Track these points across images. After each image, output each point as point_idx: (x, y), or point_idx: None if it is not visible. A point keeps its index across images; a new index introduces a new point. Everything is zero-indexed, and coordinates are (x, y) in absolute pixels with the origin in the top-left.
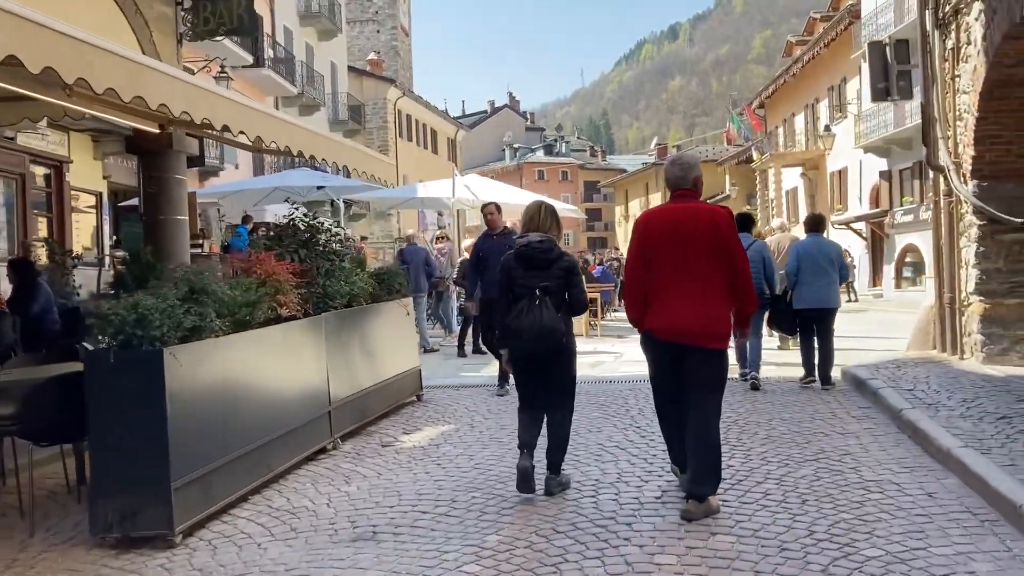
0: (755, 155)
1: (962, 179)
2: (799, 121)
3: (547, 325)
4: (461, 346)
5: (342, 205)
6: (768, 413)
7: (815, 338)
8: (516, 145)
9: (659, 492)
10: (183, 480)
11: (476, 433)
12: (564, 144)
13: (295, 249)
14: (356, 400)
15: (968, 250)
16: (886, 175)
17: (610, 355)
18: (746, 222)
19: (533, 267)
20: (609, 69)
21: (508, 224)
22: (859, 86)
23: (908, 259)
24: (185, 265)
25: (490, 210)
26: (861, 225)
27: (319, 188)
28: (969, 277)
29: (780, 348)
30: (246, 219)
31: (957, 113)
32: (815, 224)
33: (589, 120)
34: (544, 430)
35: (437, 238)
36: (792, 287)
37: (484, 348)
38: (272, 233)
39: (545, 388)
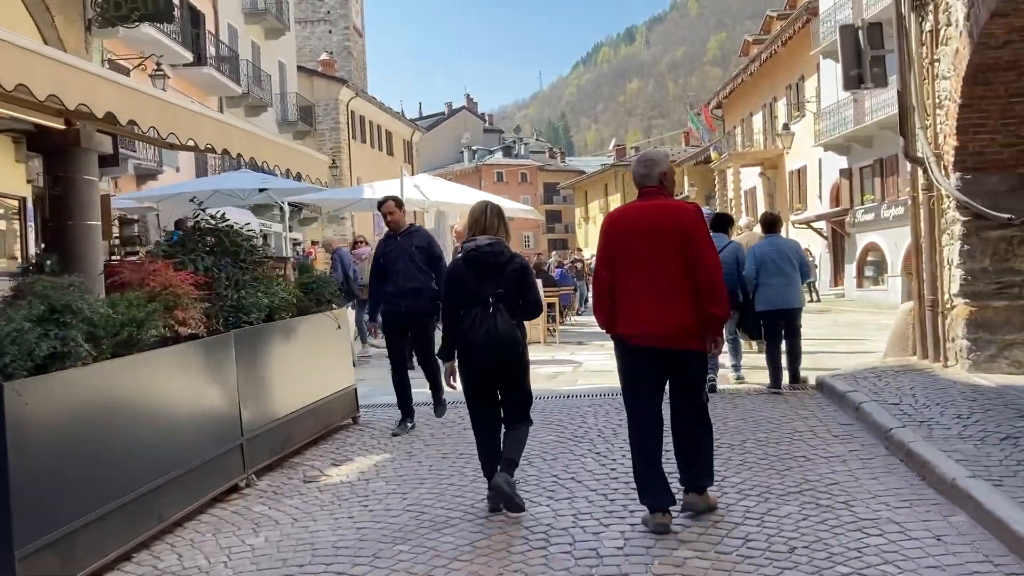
0: (713, 155)
1: (944, 172)
2: (757, 120)
3: (503, 334)
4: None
5: (287, 208)
6: (740, 432)
7: (782, 341)
8: (474, 147)
9: (621, 541)
10: (34, 545)
11: (414, 464)
12: (523, 146)
13: (199, 256)
14: (276, 428)
15: (951, 248)
16: (846, 173)
17: (569, 364)
18: (723, 222)
19: (484, 273)
20: (567, 72)
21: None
22: (817, 84)
23: (870, 258)
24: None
25: (389, 208)
26: (822, 224)
27: (261, 190)
28: (953, 278)
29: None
30: (179, 224)
31: (937, 100)
32: (770, 224)
33: (548, 123)
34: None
35: (354, 242)
36: (753, 290)
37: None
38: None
39: (501, 404)
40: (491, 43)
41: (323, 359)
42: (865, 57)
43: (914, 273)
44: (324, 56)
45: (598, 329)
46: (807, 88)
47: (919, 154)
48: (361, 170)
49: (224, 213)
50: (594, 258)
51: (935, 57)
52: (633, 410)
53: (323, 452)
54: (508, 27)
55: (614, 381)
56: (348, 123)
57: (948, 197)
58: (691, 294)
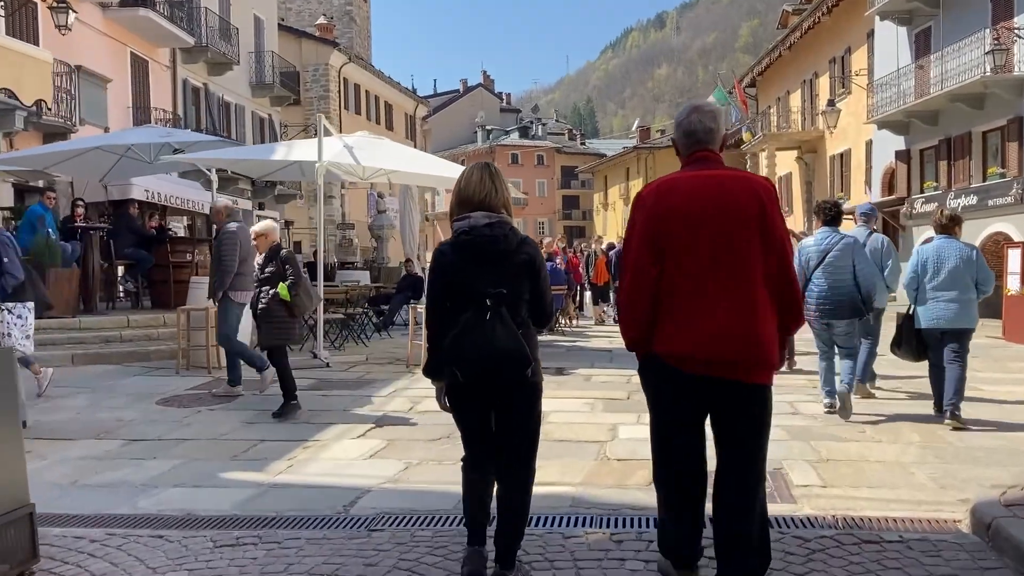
0: (745, 136)
1: None
2: (795, 99)
3: (503, 347)
4: (288, 394)
5: (214, 177)
6: None
7: (944, 365)
8: (489, 127)
9: None
10: None
11: None
12: (541, 127)
13: None
14: None
15: None
16: (904, 156)
17: None
18: (835, 214)
19: (479, 263)
20: (595, 57)
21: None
22: (868, 55)
23: None
24: None
25: None
26: None
27: (176, 151)
28: None
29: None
30: (43, 192)
31: None
32: (947, 224)
33: (573, 107)
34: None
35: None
36: (913, 302)
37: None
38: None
39: (496, 439)
40: (519, 26)
41: None
42: None
43: None
44: (321, 19)
45: (593, 344)
46: (854, 61)
47: None
48: None
49: None
50: (617, 247)
51: None
52: (669, 460)
53: None
54: (536, 11)
55: (582, 470)
56: (340, 92)
57: None
58: (767, 303)
